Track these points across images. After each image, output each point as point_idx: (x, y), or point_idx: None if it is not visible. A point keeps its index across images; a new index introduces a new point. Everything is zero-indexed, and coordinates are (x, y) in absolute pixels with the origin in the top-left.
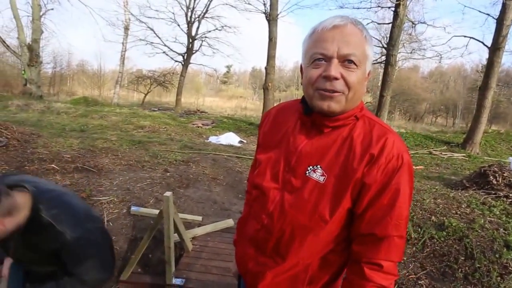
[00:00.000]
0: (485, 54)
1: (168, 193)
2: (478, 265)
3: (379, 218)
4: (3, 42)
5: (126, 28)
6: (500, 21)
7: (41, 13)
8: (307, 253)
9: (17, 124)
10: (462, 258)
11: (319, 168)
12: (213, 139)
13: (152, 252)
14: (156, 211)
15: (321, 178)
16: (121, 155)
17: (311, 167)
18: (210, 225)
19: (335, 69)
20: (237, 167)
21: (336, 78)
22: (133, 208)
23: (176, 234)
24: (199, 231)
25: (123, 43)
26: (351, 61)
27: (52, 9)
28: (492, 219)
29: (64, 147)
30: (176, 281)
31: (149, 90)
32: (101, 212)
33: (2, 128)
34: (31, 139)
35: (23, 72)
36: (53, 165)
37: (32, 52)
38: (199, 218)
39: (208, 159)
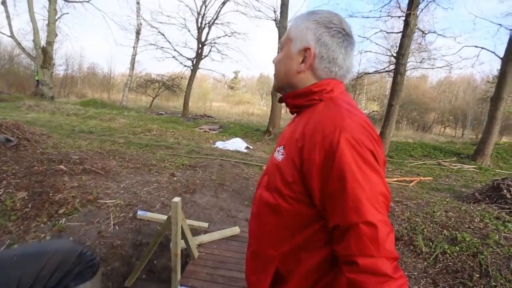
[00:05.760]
0: (496, 65)
1: (176, 199)
2: (494, 284)
3: (335, 206)
4: (19, 44)
5: (138, 33)
6: None
7: (56, 17)
8: (277, 237)
9: (28, 124)
10: (477, 275)
11: (282, 149)
12: (219, 144)
13: (158, 258)
14: (163, 216)
15: (280, 158)
16: (129, 158)
17: (278, 148)
18: (217, 232)
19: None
20: (244, 173)
21: (273, 63)
22: (139, 213)
23: (182, 241)
24: (205, 238)
25: (134, 47)
26: (280, 47)
27: (67, 13)
28: (507, 235)
29: (73, 148)
30: None
31: (157, 94)
32: (107, 215)
33: (13, 128)
34: (41, 139)
35: (36, 73)
36: (61, 166)
37: (46, 55)
38: (206, 224)
39: (215, 164)
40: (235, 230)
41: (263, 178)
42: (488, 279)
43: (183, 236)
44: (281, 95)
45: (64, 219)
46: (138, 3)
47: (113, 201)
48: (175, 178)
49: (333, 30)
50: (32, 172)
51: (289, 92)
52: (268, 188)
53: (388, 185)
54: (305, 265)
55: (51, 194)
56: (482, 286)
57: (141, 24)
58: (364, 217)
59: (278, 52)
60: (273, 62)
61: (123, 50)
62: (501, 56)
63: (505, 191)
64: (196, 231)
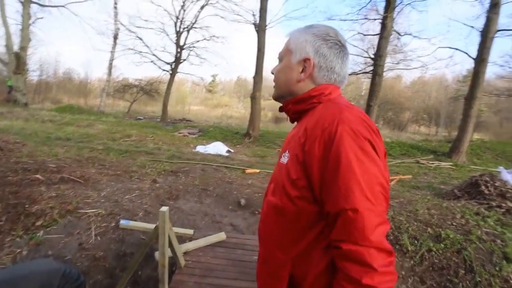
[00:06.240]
0: (466, 65)
1: (164, 208)
2: (479, 279)
3: (329, 193)
4: None
5: (115, 37)
6: (484, 34)
7: (30, 22)
8: (287, 241)
9: (1, 132)
10: (462, 271)
11: (287, 153)
12: (200, 148)
13: (142, 268)
14: (147, 225)
15: (286, 160)
16: (108, 165)
17: (284, 153)
18: (203, 239)
19: (274, 67)
20: (227, 177)
21: (272, 73)
22: (122, 222)
23: (169, 249)
24: (191, 245)
25: (111, 51)
26: (278, 59)
27: (42, 17)
28: (488, 230)
29: (50, 156)
30: None
31: (136, 99)
32: (88, 226)
33: None
34: (15, 148)
35: (8, 79)
36: (38, 176)
37: (19, 60)
38: (191, 231)
39: (197, 169)
40: (221, 236)
41: (269, 186)
42: (473, 274)
43: (170, 245)
44: (281, 104)
45: (41, 231)
46: (115, 7)
47: (94, 210)
48: (157, 185)
49: (330, 42)
50: (6, 182)
51: (289, 99)
52: (274, 193)
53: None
54: (318, 265)
55: (27, 206)
56: (467, 282)
57: (118, 28)
58: (353, 204)
59: (278, 63)
60: (272, 72)
61: (100, 55)
62: (474, 56)
63: (483, 187)
64: (181, 239)
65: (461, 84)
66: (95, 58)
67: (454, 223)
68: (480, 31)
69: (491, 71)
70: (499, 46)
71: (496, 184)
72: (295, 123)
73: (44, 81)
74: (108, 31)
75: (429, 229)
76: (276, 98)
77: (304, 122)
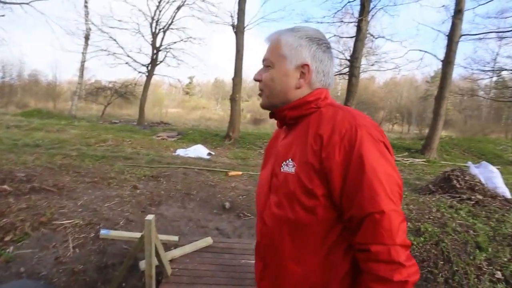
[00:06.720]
0: (434, 67)
1: (150, 217)
2: (456, 268)
3: (352, 198)
4: None
5: (87, 38)
6: (450, 37)
7: None
8: (304, 254)
9: None
10: (441, 262)
11: (290, 161)
12: (181, 151)
13: (127, 280)
14: (130, 234)
15: (292, 169)
16: (84, 172)
17: (284, 162)
18: (189, 245)
19: (258, 73)
20: (209, 180)
21: (257, 80)
22: (102, 232)
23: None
24: (177, 252)
25: (83, 53)
26: (265, 65)
27: (3, 15)
28: (461, 221)
29: (17, 165)
30: None
31: (110, 102)
32: (65, 238)
33: None
34: None
35: None
36: (5, 186)
37: None
38: (176, 238)
39: (178, 173)
40: (208, 240)
41: (267, 199)
42: (450, 264)
43: (156, 254)
44: (271, 111)
45: (12, 247)
46: (86, 6)
47: (70, 221)
48: (138, 191)
49: (323, 46)
50: None
51: (286, 105)
52: (280, 205)
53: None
54: (340, 270)
55: None
56: (446, 272)
57: (90, 29)
58: (379, 207)
59: (264, 69)
60: (258, 79)
61: (69, 56)
62: (442, 59)
63: (454, 181)
64: (165, 246)
65: (430, 85)
66: (64, 59)
67: (431, 217)
68: (447, 35)
69: (456, 73)
70: (463, 50)
71: (466, 178)
72: (279, 128)
73: (8, 83)
74: (78, 31)
75: (409, 223)
76: (267, 106)
77: (305, 128)
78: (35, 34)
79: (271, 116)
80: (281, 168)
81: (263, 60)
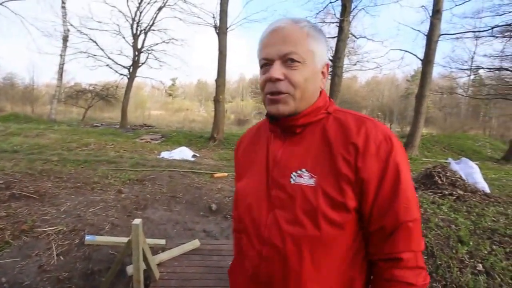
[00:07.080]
0: (414, 66)
1: (137, 221)
2: (440, 262)
3: (387, 208)
4: None
5: (65, 40)
6: (429, 37)
7: None
8: (326, 273)
9: None
10: (426, 257)
11: (305, 171)
12: (165, 154)
13: (114, 285)
14: (116, 239)
15: (311, 181)
16: (66, 177)
17: (294, 173)
18: (176, 248)
19: (276, 70)
20: (195, 183)
21: (278, 79)
22: (87, 238)
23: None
24: (164, 256)
25: (61, 55)
26: (292, 60)
27: None
28: (443, 216)
29: None
30: None
31: (91, 105)
32: (48, 246)
33: None
34: None
35: None
36: None
37: None
38: (163, 241)
39: (163, 176)
40: (195, 243)
41: (267, 216)
42: (434, 259)
43: (144, 259)
44: (274, 117)
45: None
46: (63, 7)
47: (53, 228)
48: (123, 195)
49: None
50: None
51: (302, 111)
52: (296, 222)
53: None
54: (357, 285)
55: None
56: (430, 266)
57: (68, 30)
58: (413, 215)
59: (291, 66)
60: (278, 79)
61: (48, 58)
62: (421, 58)
63: (436, 177)
64: (152, 250)
65: (410, 83)
66: (41, 62)
67: None
68: (426, 35)
69: (435, 71)
70: (442, 49)
71: (447, 174)
72: (273, 133)
73: None
74: (56, 33)
75: None
76: (292, 113)
77: (321, 136)
78: (9, 36)
79: (273, 122)
80: (291, 180)
81: (288, 53)
